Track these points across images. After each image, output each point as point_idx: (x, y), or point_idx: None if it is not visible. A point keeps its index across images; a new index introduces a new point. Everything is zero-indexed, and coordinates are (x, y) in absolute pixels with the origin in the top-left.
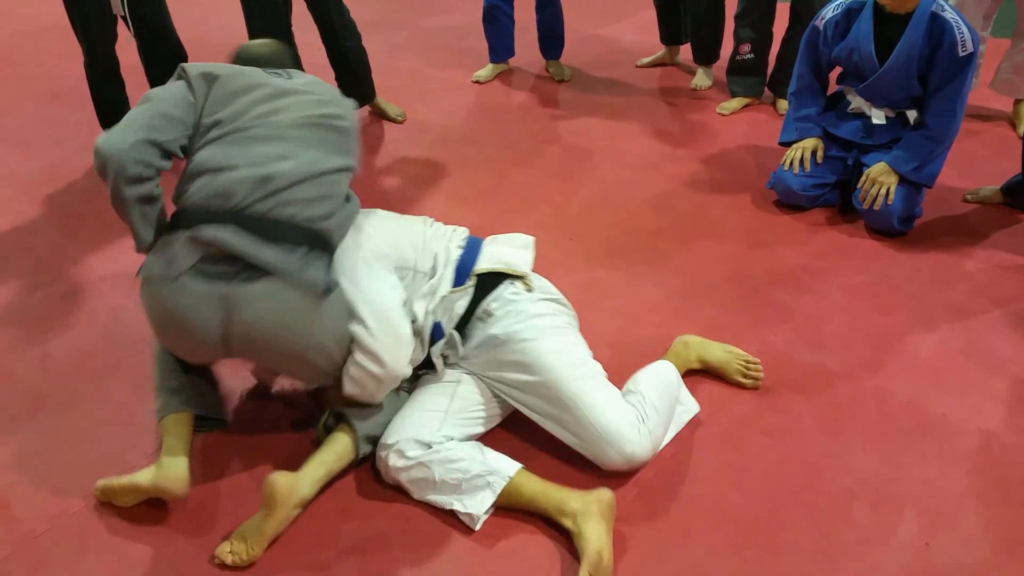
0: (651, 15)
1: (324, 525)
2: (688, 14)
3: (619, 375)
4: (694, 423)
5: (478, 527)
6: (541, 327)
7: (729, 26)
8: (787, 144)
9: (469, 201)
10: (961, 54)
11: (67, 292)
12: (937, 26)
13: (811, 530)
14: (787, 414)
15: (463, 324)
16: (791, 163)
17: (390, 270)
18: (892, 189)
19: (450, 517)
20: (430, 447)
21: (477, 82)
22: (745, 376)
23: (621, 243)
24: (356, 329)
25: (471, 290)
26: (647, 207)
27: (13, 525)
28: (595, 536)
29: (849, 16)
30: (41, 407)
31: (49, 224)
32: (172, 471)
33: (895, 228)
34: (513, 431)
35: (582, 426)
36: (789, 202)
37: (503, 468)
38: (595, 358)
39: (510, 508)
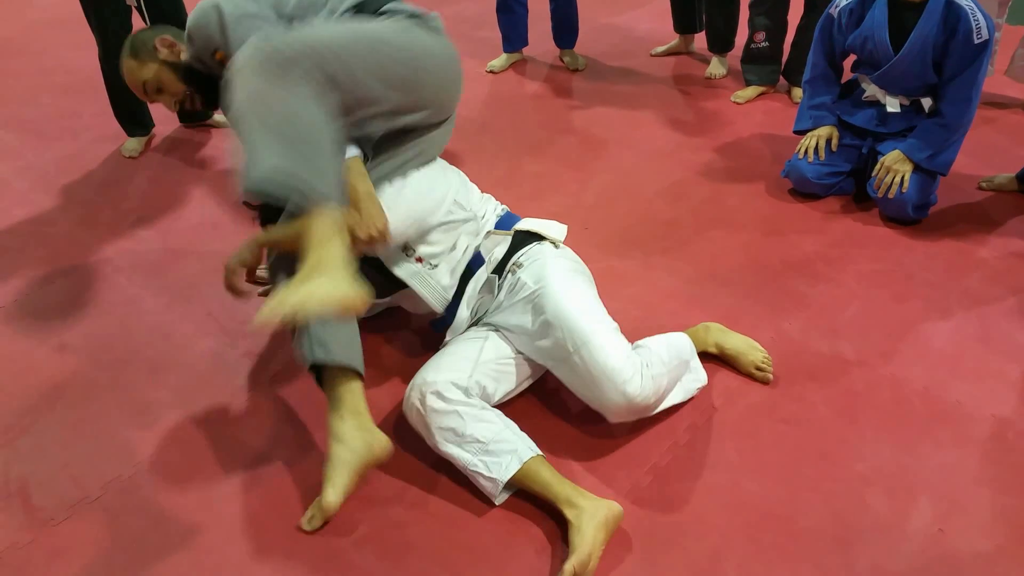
0: (665, 4)
1: (340, 513)
2: (703, 3)
3: None
4: (708, 411)
5: (498, 501)
6: (562, 271)
7: (744, 14)
8: (802, 132)
9: (484, 190)
10: (976, 41)
11: (83, 283)
12: (952, 14)
13: (826, 517)
14: (802, 402)
15: (498, 273)
16: (806, 151)
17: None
18: (907, 177)
19: (467, 504)
20: (467, 394)
21: (491, 72)
22: (757, 369)
23: (636, 232)
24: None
25: (510, 238)
26: (662, 196)
27: (32, 514)
28: (591, 538)
29: (864, 4)
30: (59, 397)
31: (65, 215)
32: (379, 440)
33: (910, 216)
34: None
35: (588, 367)
36: (804, 190)
37: (530, 443)
38: None
39: (524, 487)
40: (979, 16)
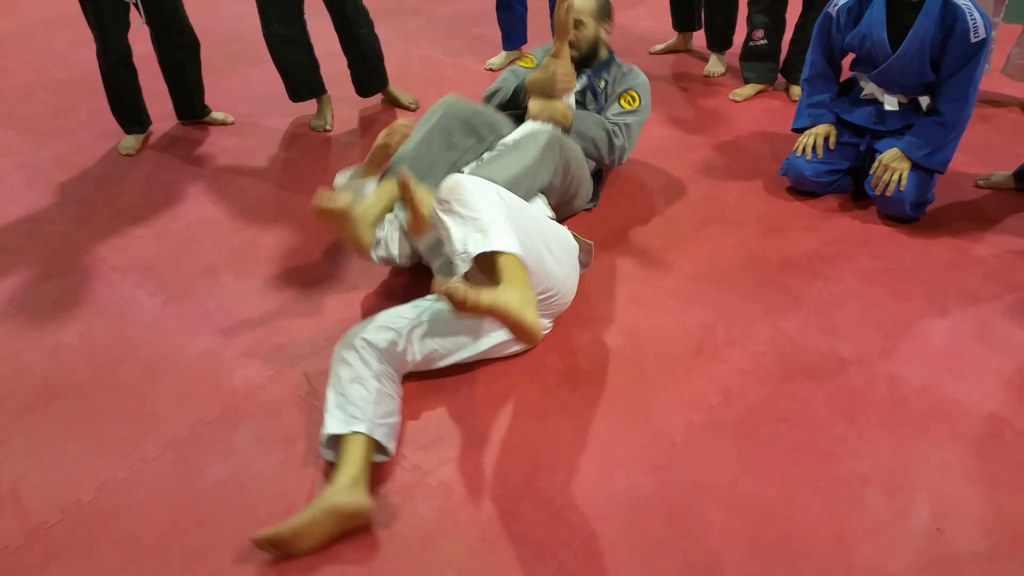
0: (664, 2)
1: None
2: (701, 1)
3: (635, 362)
4: (707, 409)
5: (324, 454)
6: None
7: (742, 13)
8: (800, 130)
9: None
10: (973, 40)
11: (79, 281)
12: (949, 13)
13: (825, 516)
14: (800, 400)
15: None
16: (804, 149)
17: None
18: (904, 175)
19: (455, 498)
20: (380, 355)
21: (491, 69)
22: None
23: (635, 229)
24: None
25: None
26: (661, 193)
27: (25, 516)
28: (311, 518)
29: (862, 2)
30: (52, 397)
31: (61, 213)
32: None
33: (907, 214)
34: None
35: None
36: (802, 188)
37: (377, 427)
38: (610, 344)
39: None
40: (976, 15)
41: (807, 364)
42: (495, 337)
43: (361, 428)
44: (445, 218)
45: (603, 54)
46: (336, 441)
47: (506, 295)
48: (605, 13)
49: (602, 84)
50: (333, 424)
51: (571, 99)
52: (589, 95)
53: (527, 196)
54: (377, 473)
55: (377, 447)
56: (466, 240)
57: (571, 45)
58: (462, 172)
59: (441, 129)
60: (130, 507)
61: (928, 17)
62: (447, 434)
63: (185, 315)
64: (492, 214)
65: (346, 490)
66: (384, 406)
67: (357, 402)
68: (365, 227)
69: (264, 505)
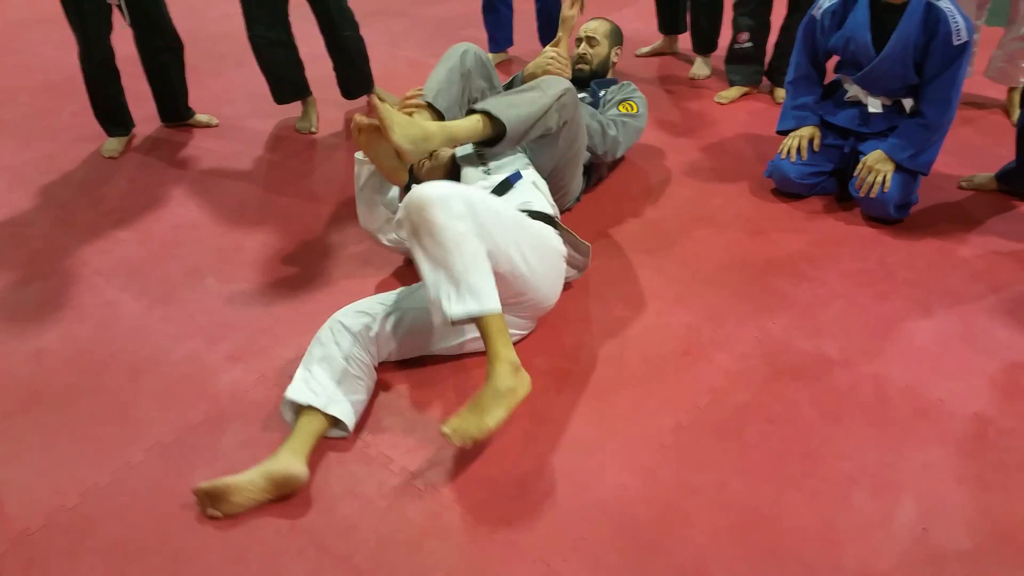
0: (650, 4)
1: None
2: (687, 4)
3: (622, 363)
4: (694, 411)
5: (285, 414)
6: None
7: (727, 15)
8: (784, 132)
9: None
10: (955, 43)
11: (61, 285)
12: (932, 15)
13: (812, 516)
14: (786, 401)
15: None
16: (788, 151)
17: None
18: (888, 177)
19: (443, 501)
20: (355, 337)
21: None
22: None
23: (621, 231)
24: None
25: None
26: (647, 196)
27: (7, 523)
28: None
29: (846, 5)
30: (35, 402)
31: (43, 216)
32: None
33: (891, 215)
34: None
35: None
36: (787, 190)
37: (339, 408)
38: (597, 346)
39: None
40: (958, 18)
41: (793, 365)
42: (471, 331)
43: (316, 403)
44: (415, 252)
45: (609, 76)
46: (296, 409)
47: (493, 410)
48: (618, 39)
49: (603, 93)
50: (293, 390)
51: None
52: (589, 102)
53: (534, 135)
54: (365, 476)
55: (334, 422)
56: (439, 289)
57: (583, 59)
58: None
59: (461, 65)
60: (114, 513)
61: (911, 20)
62: (434, 437)
63: (169, 318)
64: (464, 257)
65: (286, 457)
66: (347, 385)
67: (320, 379)
68: (401, 162)
69: (251, 508)
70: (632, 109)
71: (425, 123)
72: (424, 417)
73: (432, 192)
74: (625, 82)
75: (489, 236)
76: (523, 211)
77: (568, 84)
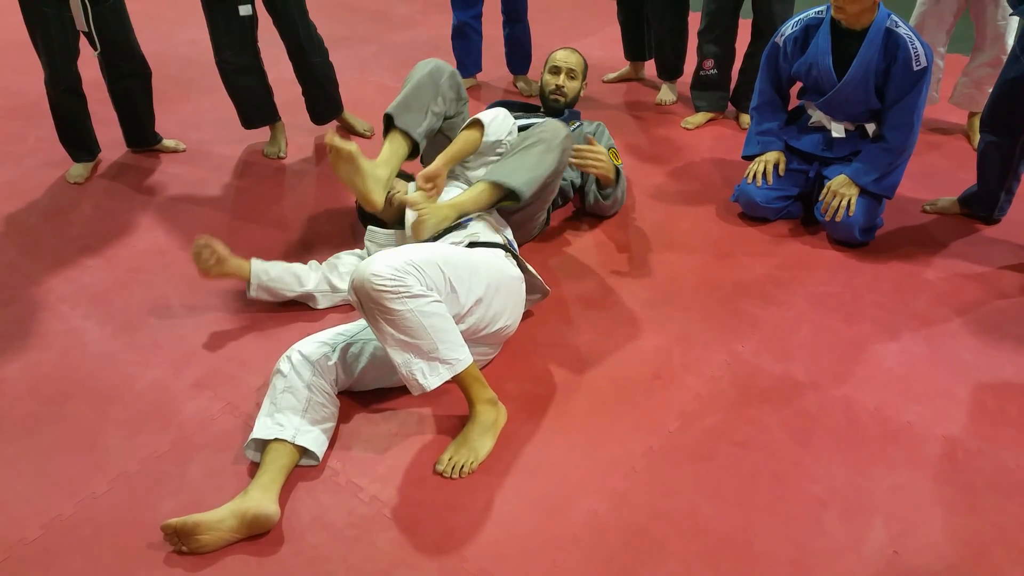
0: (617, 31)
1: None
2: (651, 31)
3: (592, 387)
4: (665, 435)
5: (247, 453)
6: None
7: (692, 42)
8: (750, 158)
9: None
10: (916, 68)
11: (25, 312)
12: (892, 41)
13: (783, 540)
14: (756, 424)
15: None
16: (754, 176)
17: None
18: (853, 201)
19: (413, 530)
20: (314, 367)
21: None
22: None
23: (590, 256)
24: None
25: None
26: (615, 220)
27: None
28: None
29: (808, 32)
30: None
31: (7, 242)
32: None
33: (857, 239)
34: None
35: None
36: (753, 214)
37: (306, 435)
38: (567, 371)
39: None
40: (917, 44)
41: (763, 388)
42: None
43: (284, 436)
44: (374, 329)
45: (576, 107)
46: (262, 446)
47: (483, 443)
48: (585, 72)
49: (574, 126)
50: (259, 430)
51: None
52: None
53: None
54: (334, 505)
55: (304, 452)
56: (410, 367)
57: (559, 92)
58: (448, 137)
59: (431, 76)
60: (78, 546)
61: (871, 46)
62: (403, 464)
63: (135, 346)
64: (429, 333)
65: (256, 496)
66: (313, 414)
67: (285, 411)
68: (375, 184)
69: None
70: (617, 159)
71: (446, 209)
72: (392, 444)
73: (379, 278)
74: (598, 122)
75: (446, 292)
76: (472, 243)
77: (564, 141)
